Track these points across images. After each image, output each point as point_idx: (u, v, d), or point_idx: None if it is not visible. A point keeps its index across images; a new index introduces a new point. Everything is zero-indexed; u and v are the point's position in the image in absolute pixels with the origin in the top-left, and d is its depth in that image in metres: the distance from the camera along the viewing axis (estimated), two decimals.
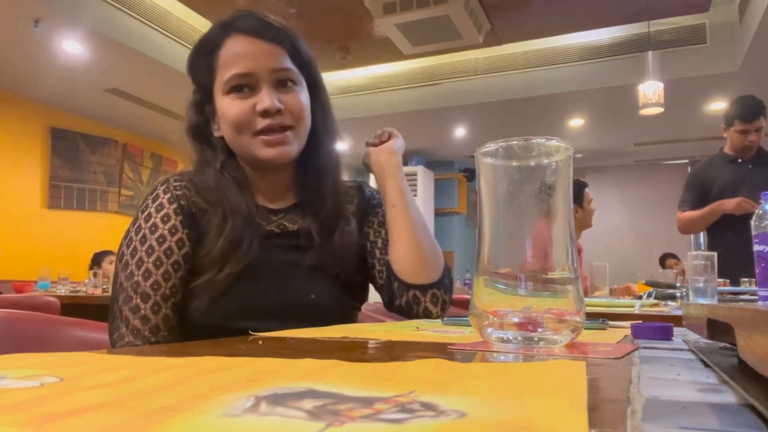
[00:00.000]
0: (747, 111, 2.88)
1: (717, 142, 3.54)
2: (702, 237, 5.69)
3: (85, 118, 5.89)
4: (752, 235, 1.08)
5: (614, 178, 7.75)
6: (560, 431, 0.20)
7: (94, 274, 3.86)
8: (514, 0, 4.43)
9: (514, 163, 0.52)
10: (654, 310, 1.76)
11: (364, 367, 0.34)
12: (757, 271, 1.08)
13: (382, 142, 1.10)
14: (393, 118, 5.67)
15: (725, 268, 2.09)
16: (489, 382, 0.30)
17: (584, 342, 0.55)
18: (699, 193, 2.99)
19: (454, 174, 7.60)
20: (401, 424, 0.20)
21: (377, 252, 1.03)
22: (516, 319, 0.50)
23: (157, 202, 0.92)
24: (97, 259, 4.41)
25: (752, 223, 1.09)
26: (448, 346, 0.51)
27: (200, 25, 4.71)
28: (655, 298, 2.08)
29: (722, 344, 0.52)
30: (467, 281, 5.25)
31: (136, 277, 0.87)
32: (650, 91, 4.02)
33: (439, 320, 0.92)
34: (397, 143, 1.09)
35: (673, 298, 2.02)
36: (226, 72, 0.92)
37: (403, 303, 0.97)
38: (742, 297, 1.89)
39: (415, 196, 5.22)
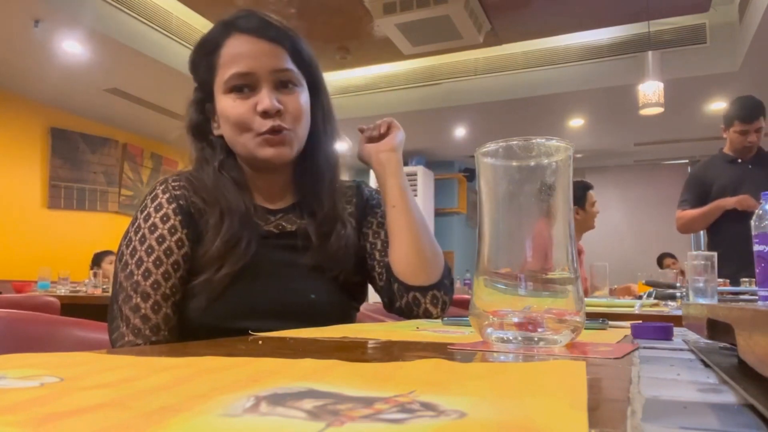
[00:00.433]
0: (746, 111, 2.87)
1: (717, 142, 3.54)
2: (702, 237, 5.70)
3: (85, 118, 5.89)
4: (752, 235, 1.08)
5: (614, 178, 7.75)
6: (560, 431, 0.20)
7: (94, 274, 3.86)
8: (514, 0, 4.43)
9: (514, 163, 0.52)
10: (654, 310, 1.76)
11: (364, 367, 0.34)
12: (757, 271, 1.08)
13: (381, 135, 1.07)
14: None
15: (725, 268, 2.09)
16: (489, 382, 0.30)
17: (584, 342, 0.55)
18: (699, 193, 2.99)
19: (454, 174, 7.60)
20: (401, 424, 0.20)
21: (377, 254, 1.02)
22: (516, 319, 0.50)
23: (156, 202, 0.92)
24: (97, 259, 4.42)
25: (752, 223, 1.09)
26: (448, 346, 0.51)
27: (201, 25, 4.71)
28: (655, 298, 2.08)
29: (722, 344, 0.52)
30: (467, 281, 5.24)
31: (135, 277, 0.87)
32: (650, 91, 4.03)
33: (439, 320, 0.92)
34: (398, 137, 1.06)
35: (673, 298, 2.02)
36: (226, 71, 0.92)
37: (404, 304, 0.97)
38: (742, 297, 1.88)
39: (415, 196, 5.21)
